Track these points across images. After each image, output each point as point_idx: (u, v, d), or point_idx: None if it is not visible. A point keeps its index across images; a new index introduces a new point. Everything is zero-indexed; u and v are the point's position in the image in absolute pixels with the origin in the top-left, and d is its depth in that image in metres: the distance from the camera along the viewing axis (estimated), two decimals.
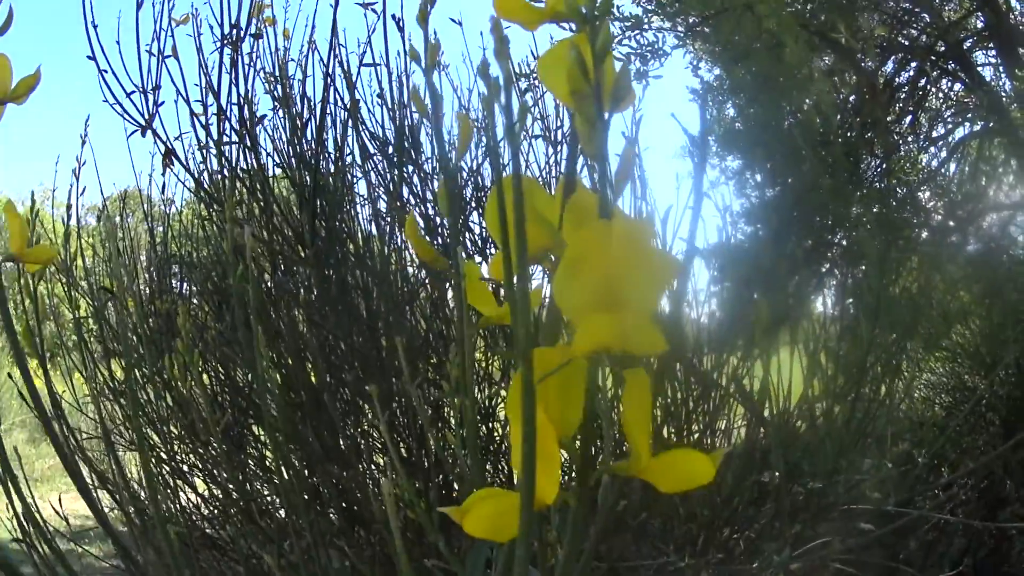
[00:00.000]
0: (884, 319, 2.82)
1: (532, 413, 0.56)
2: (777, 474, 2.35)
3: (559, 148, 2.68)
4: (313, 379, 2.35)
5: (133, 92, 2.30)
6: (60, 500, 2.34)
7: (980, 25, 4.17)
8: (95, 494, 1.77)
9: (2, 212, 1.36)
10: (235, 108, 2.32)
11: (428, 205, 2.46)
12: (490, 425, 2.55)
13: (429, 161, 2.50)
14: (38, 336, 1.64)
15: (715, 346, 2.57)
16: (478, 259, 2.55)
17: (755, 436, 2.51)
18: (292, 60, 2.53)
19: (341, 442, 2.23)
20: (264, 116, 2.38)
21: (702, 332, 2.68)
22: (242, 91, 2.32)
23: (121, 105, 2.31)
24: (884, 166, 3.67)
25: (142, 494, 2.77)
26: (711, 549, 2.30)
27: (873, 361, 2.79)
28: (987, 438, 3.33)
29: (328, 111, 2.36)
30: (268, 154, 2.46)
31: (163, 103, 2.32)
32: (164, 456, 2.57)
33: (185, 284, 2.88)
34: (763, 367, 2.33)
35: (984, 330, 3.52)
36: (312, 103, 2.40)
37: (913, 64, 4.02)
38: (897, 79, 4.06)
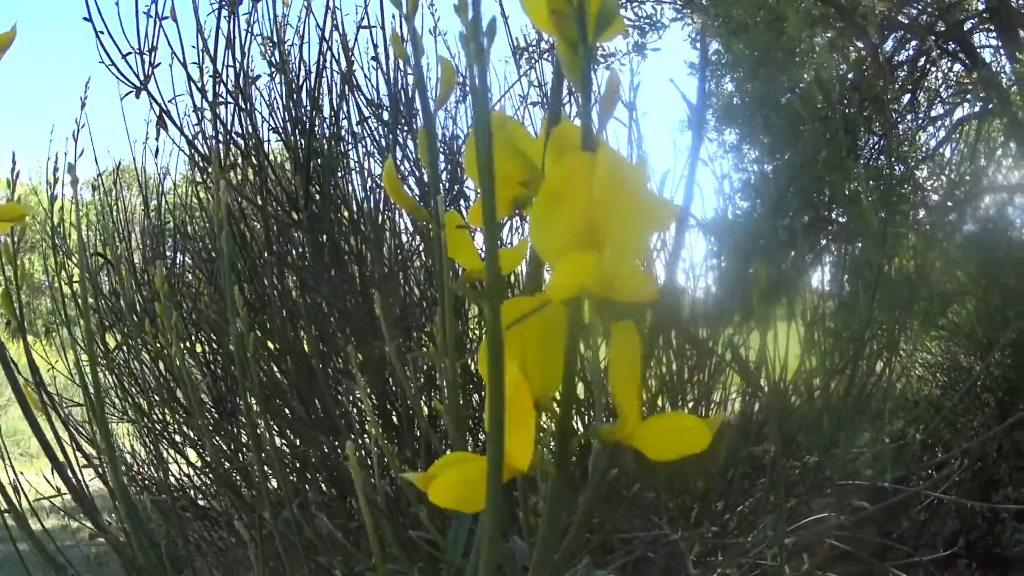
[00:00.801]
0: (882, 295, 2.76)
1: (499, 366, 0.48)
2: (772, 447, 2.29)
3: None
4: (305, 347, 2.28)
5: (129, 53, 2.22)
6: (53, 472, 2.27)
7: (981, 7, 4.11)
8: (74, 465, 1.70)
9: None
10: (230, 70, 2.25)
11: (424, 169, 2.38)
12: (483, 393, 2.48)
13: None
14: (17, 302, 1.57)
15: (712, 316, 2.50)
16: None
17: (750, 408, 2.46)
18: (290, 26, 2.45)
19: (331, 410, 2.16)
20: (259, 76, 2.30)
21: (699, 302, 2.62)
22: (237, 54, 2.25)
23: (117, 67, 2.24)
24: (883, 143, 3.60)
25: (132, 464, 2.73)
26: (705, 522, 2.24)
27: (870, 336, 2.73)
28: (982, 419, 3.27)
29: (324, 75, 2.29)
30: (264, 119, 2.39)
31: (159, 64, 2.24)
32: (155, 427, 2.51)
33: (179, 254, 2.80)
34: (759, 339, 2.27)
35: (981, 311, 3.46)
36: (308, 67, 2.33)
37: (913, 43, 3.94)
38: (897, 57, 3.99)
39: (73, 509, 2.41)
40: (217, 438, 2.37)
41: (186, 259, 2.84)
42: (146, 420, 2.44)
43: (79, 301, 2.58)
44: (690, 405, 2.43)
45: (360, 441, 2.22)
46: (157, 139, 2.53)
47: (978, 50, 4.00)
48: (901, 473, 2.76)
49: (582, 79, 0.50)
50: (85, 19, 2.21)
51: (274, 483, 2.01)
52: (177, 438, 2.57)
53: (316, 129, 2.29)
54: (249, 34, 2.32)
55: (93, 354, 1.24)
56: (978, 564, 2.97)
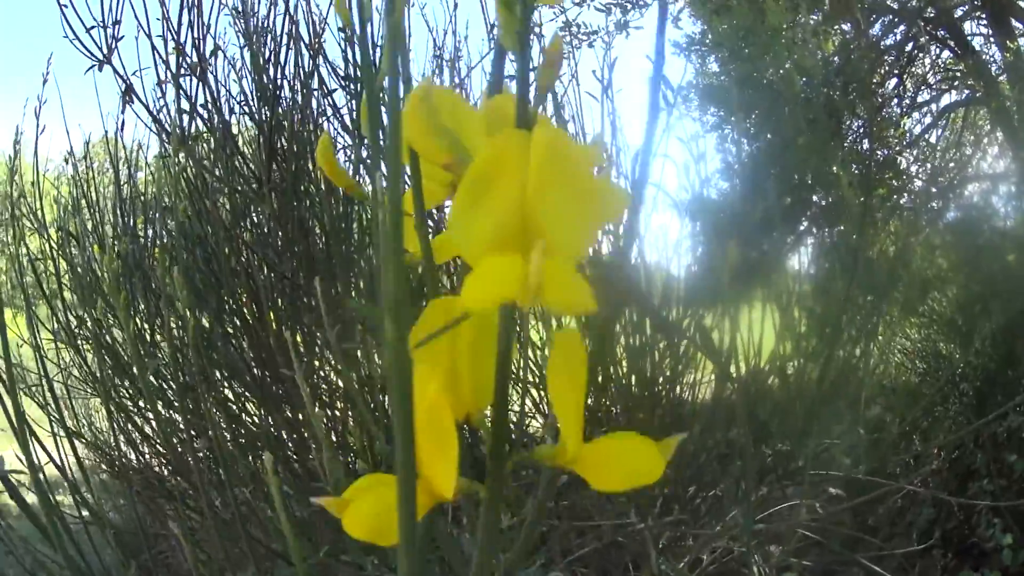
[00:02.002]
0: (861, 279, 2.72)
1: (407, 389, 0.40)
2: (741, 432, 2.24)
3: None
4: (273, 324, 2.20)
5: (93, 27, 2.13)
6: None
7: None
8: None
9: None
10: (196, 42, 2.16)
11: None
12: None
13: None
14: None
15: (686, 298, 2.45)
16: None
17: (721, 392, 2.40)
18: None
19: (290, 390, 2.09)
20: (216, 49, 2.21)
21: (672, 285, 2.56)
22: (203, 27, 2.16)
23: (81, 41, 2.15)
24: (867, 127, 3.54)
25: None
26: (675, 508, 2.18)
27: (847, 321, 2.68)
28: (959, 408, 3.22)
29: (291, 46, 2.20)
30: (228, 92, 2.30)
31: (123, 37, 2.16)
32: (120, 402, 2.43)
33: (150, 228, 2.71)
34: (730, 322, 2.21)
35: (961, 299, 3.41)
36: (276, 38, 2.23)
37: (901, 28, 3.87)
38: (884, 42, 3.91)
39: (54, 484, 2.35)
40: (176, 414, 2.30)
41: (155, 231, 2.75)
42: (111, 395, 2.36)
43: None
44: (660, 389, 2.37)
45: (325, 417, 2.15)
46: (123, 113, 2.44)
47: (968, 38, 3.94)
48: (878, 463, 2.72)
49: (519, 43, 0.42)
50: None
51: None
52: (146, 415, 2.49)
53: (282, 101, 2.20)
54: (218, 2, 2.24)
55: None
56: (953, 554, 2.93)
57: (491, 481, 0.48)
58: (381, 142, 0.48)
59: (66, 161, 2.99)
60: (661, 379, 2.38)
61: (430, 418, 0.43)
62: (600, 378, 2.42)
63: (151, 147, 2.92)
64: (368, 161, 0.51)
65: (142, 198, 2.73)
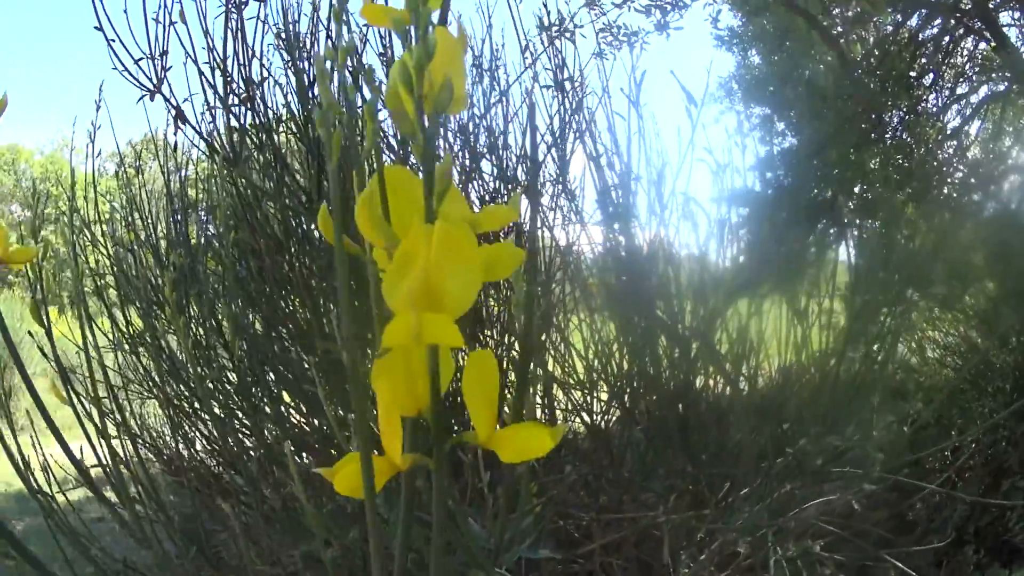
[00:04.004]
0: (899, 272, 2.86)
1: (362, 394, 0.66)
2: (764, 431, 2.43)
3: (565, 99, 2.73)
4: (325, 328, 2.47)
5: (142, 59, 2.40)
6: (81, 449, 2.45)
7: None
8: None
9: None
10: (241, 69, 2.42)
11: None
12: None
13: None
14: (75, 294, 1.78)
15: (715, 297, 2.62)
16: None
17: (751, 392, 2.58)
18: (303, 16, 2.61)
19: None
20: (268, 76, 2.48)
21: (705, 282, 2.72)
22: (248, 54, 2.43)
23: (130, 72, 2.42)
24: (906, 120, 3.69)
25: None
26: (710, 500, 2.39)
27: (885, 315, 2.84)
28: (995, 406, 3.36)
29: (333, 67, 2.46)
30: (276, 112, 2.56)
31: (171, 67, 2.42)
32: (176, 404, 2.69)
33: (202, 238, 2.98)
34: (736, 330, 2.41)
35: (998, 293, 3.54)
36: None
37: (938, 21, 4.01)
38: (921, 35, 4.06)
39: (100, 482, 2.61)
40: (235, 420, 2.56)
41: (207, 239, 3.02)
42: (167, 397, 2.63)
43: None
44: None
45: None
46: (175, 135, 2.71)
47: (1004, 29, 4.04)
48: (914, 460, 2.88)
49: (427, 162, 0.67)
50: (96, 28, 2.39)
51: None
52: (204, 415, 2.76)
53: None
54: (264, 29, 2.50)
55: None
56: (985, 551, 3.07)
57: (436, 456, 0.73)
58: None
59: (117, 175, 3.29)
60: (688, 380, 2.58)
61: (386, 414, 0.69)
62: (636, 383, 2.65)
63: (200, 163, 3.20)
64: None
65: (191, 212, 3.01)
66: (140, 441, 2.31)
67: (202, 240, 2.96)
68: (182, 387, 2.69)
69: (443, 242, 0.62)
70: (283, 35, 2.52)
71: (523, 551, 1.27)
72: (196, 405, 2.67)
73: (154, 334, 2.55)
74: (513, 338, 2.60)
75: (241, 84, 2.43)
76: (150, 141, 3.24)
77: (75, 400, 1.87)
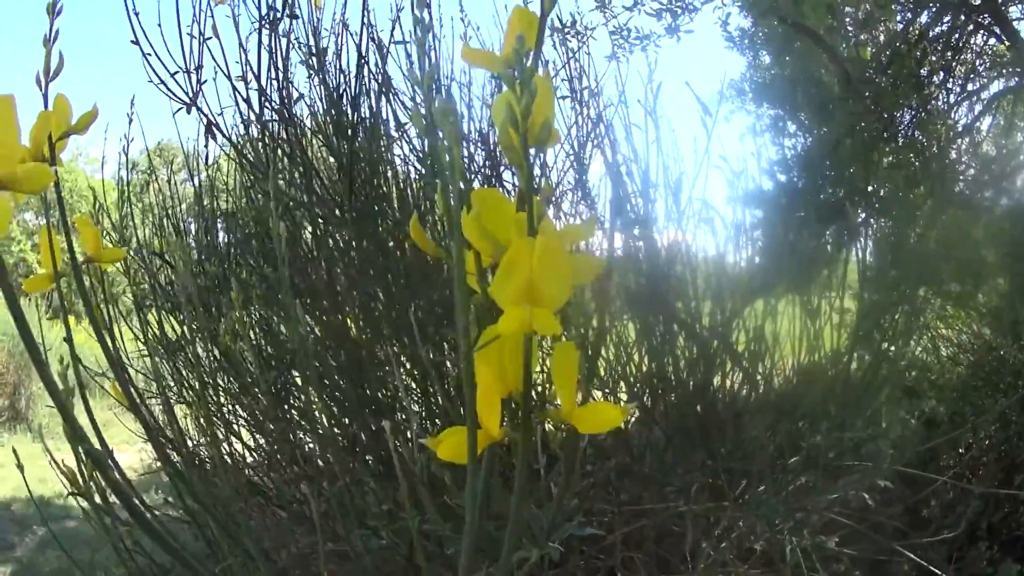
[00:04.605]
0: (912, 270, 2.99)
1: (472, 377, 0.83)
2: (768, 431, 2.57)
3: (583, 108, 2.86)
4: (353, 334, 2.63)
5: (176, 72, 2.55)
6: (112, 453, 2.58)
7: None
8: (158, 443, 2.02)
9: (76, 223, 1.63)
10: (273, 83, 2.58)
11: None
12: None
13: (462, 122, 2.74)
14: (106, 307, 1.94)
15: (732, 296, 2.75)
16: None
17: (768, 390, 2.72)
18: (327, 30, 2.76)
19: (377, 394, 2.50)
20: (301, 96, 2.64)
21: (722, 281, 2.86)
22: (279, 68, 2.58)
23: (166, 85, 2.56)
24: (917, 118, 3.83)
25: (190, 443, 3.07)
26: (715, 499, 2.54)
27: (899, 312, 2.96)
28: (1008, 403, 3.45)
29: (362, 83, 2.61)
30: (305, 125, 2.71)
31: (205, 81, 2.57)
32: (212, 408, 2.84)
33: (232, 246, 3.13)
34: (753, 327, 2.56)
35: (1013, 290, 3.65)
36: (347, 76, 2.65)
37: (947, 17, 4.14)
38: (931, 32, 4.19)
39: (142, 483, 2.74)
40: (270, 422, 2.70)
41: (235, 244, 3.16)
42: (202, 401, 2.78)
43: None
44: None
45: (403, 422, 2.56)
46: (207, 147, 2.85)
47: (1015, 23, 4.16)
48: (928, 456, 3.01)
49: (528, 186, 0.84)
50: (132, 42, 2.54)
51: (321, 461, 2.36)
52: (231, 420, 2.91)
53: (358, 135, 2.62)
54: (289, 42, 2.65)
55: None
56: (999, 546, 3.18)
57: (522, 431, 0.90)
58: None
59: (147, 181, 3.44)
60: (707, 380, 2.73)
61: (485, 393, 0.87)
62: (655, 380, 2.79)
63: (231, 175, 3.35)
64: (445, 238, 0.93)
65: (222, 217, 3.16)
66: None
67: (232, 249, 3.11)
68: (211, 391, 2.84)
69: (544, 252, 0.79)
70: (313, 51, 2.67)
71: (572, 530, 1.43)
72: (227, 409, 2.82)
73: (209, 335, 2.69)
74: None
75: (275, 98, 2.58)
76: (177, 150, 3.39)
77: (131, 400, 2.00)
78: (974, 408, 3.44)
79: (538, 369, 2.67)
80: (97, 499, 1.69)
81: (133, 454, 4.51)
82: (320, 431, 2.22)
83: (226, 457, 2.69)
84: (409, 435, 2.09)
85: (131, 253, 3.11)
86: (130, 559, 2.04)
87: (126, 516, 1.75)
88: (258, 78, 2.56)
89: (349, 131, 2.60)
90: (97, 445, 1.68)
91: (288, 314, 1.64)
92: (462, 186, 0.84)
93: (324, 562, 1.75)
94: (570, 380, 0.89)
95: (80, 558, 2.28)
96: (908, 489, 2.95)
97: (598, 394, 2.94)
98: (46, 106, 1.41)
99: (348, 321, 2.66)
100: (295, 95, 2.62)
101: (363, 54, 2.56)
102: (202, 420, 2.58)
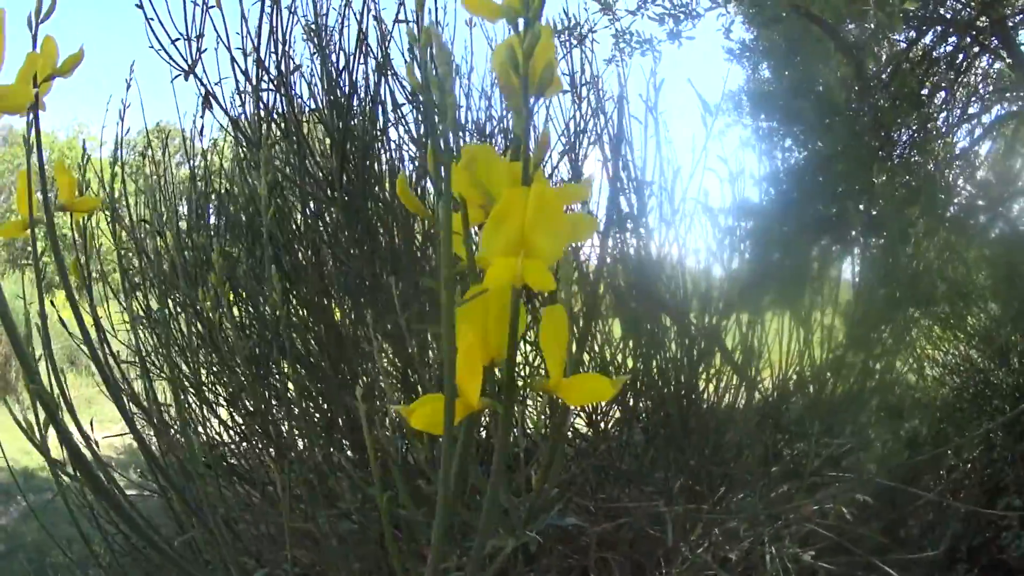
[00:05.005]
0: (901, 291, 2.95)
1: (453, 337, 0.75)
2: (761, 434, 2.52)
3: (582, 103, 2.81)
4: (336, 315, 2.56)
5: (178, 39, 2.50)
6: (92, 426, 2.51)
7: None
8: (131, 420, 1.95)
9: (53, 168, 1.57)
10: (273, 57, 2.52)
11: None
12: None
13: (459, 112, 2.68)
14: (85, 265, 1.87)
15: (720, 305, 2.70)
16: None
17: (750, 397, 2.67)
18: (333, 9, 2.71)
19: (357, 375, 2.43)
20: (300, 66, 2.58)
21: (710, 291, 2.80)
22: (280, 39, 2.52)
23: (167, 51, 2.51)
24: (915, 138, 3.78)
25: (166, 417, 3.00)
26: (696, 499, 2.48)
27: (886, 331, 2.92)
28: (992, 427, 3.43)
29: (361, 60, 2.55)
30: (303, 100, 2.65)
31: (205, 50, 2.51)
32: (191, 384, 2.77)
33: (221, 222, 3.07)
34: (761, 328, 2.50)
35: (1001, 314, 3.63)
36: (347, 54, 2.59)
37: (952, 39, 4.09)
38: (935, 52, 4.13)
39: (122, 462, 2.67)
40: (248, 401, 2.63)
41: (225, 224, 3.10)
42: (182, 377, 2.71)
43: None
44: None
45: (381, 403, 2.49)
46: (202, 117, 2.79)
47: (1021, 46, 4.11)
48: (910, 475, 2.96)
49: (523, 135, 0.76)
50: (137, 5, 2.48)
51: (301, 443, 2.29)
52: (210, 396, 2.84)
53: (353, 114, 2.56)
54: (292, 20, 2.59)
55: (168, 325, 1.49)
56: (980, 569, 3.15)
57: (504, 400, 0.83)
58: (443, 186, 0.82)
59: (143, 156, 3.37)
60: (693, 381, 2.67)
61: (466, 357, 0.79)
62: (640, 385, 2.73)
63: (223, 144, 3.28)
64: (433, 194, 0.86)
65: (215, 195, 3.09)
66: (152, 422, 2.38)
67: (222, 224, 3.04)
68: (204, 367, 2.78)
69: (538, 201, 0.72)
70: (313, 27, 2.61)
71: (551, 519, 1.36)
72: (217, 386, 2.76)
73: (190, 309, 2.62)
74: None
75: (273, 70, 2.52)
76: (175, 132, 3.32)
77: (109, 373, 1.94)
78: (958, 430, 3.40)
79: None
80: (70, 471, 1.64)
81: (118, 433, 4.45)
82: (293, 406, 2.16)
83: (200, 432, 2.64)
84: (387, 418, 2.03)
85: (121, 225, 3.04)
86: (97, 529, 1.99)
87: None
88: (257, 49, 2.50)
89: (345, 107, 2.53)
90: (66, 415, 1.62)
91: (269, 286, 1.57)
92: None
93: (290, 542, 1.67)
94: (559, 348, 0.82)
95: (61, 533, 2.24)
96: (888, 507, 2.91)
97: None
98: (35, 48, 1.36)
99: (331, 304, 2.60)
100: (292, 66, 2.55)
101: (363, 30, 2.50)
102: (179, 392, 2.53)
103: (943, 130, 4.05)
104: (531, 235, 0.72)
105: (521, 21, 0.75)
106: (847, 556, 2.52)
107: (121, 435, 2.15)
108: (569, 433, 2.89)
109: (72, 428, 1.59)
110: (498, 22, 0.77)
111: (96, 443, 2.05)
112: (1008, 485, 3.27)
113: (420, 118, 2.60)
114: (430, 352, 2.29)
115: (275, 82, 2.52)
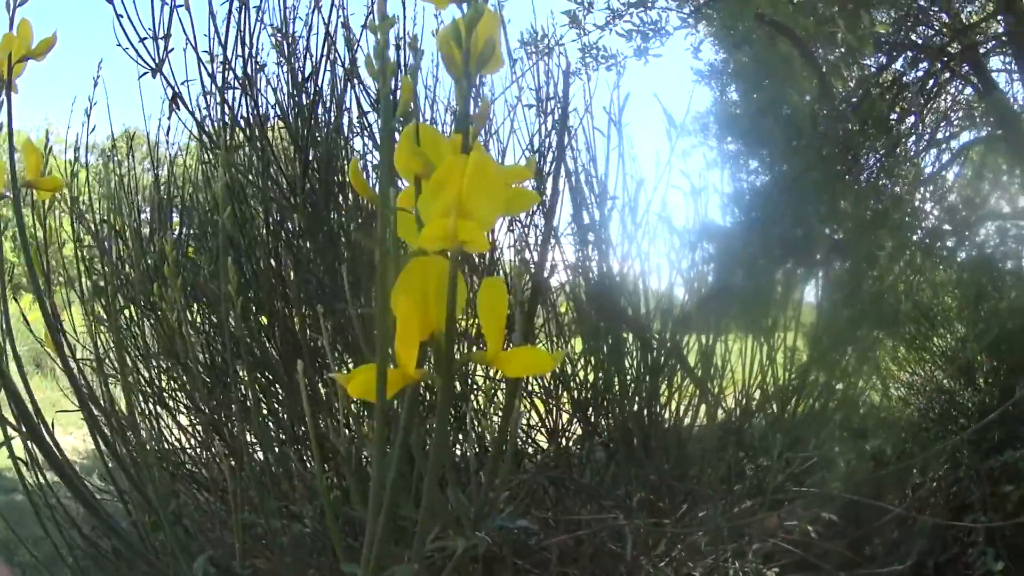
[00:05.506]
0: (865, 312, 2.97)
1: (386, 305, 0.75)
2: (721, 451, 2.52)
3: (547, 118, 2.81)
4: (296, 323, 2.55)
5: (145, 38, 2.49)
6: (52, 424, 2.49)
7: (1000, 30, 4.27)
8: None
9: (21, 147, 1.58)
10: (239, 59, 2.52)
11: None
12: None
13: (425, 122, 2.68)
14: (45, 262, 1.87)
15: (681, 323, 2.71)
16: None
17: (712, 414, 2.67)
18: (300, 18, 2.70)
19: (315, 384, 2.42)
20: (264, 65, 2.58)
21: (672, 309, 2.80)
22: (247, 42, 2.52)
23: (135, 49, 2.50)
24: (883, 162, 3.82)
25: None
26: (664, 515, 2.47)
27: (848, 352, 2.94)
28: (958, 444, 3.46)
29: (327, 67, 2.56)
30: (270, 105, 2.65)
31: (172, 49, 2.50)
32: (150, 388, 2.76)
33: (184, 227, 3.06)
34: (707, 345, 2.51)
35: (967, 337, 3.67)
36: (315, 60, 2.59)
37: (923, 64, 4.14)
38: (905, 77, 4.18)
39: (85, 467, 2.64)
40: (206, 405, 2.61)
41: (189, 231, 3.09)
42: (143, 382, 2.70)
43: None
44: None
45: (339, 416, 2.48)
46: (169, 119, 2.79)
47: (992, 74, 4.17)
48: (875, 493, 2.98)
49: (464, 104, 0.77)
50: (107, 0, 2.48)
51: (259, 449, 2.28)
52: (170, 403, 2.82)
53: (318, 118, 2.56)
54: (259, 23, 2.59)
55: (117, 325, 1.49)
56: None
57: (441, 372, 0.82)
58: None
59: (106, 157, 3.36)
60: (654, 397, 2.67)
61: (403, 324, 0.78)
62: (601, 400, 2.73)
63: (188, 147, 3.27)
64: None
65: (178, 199, 3.08)
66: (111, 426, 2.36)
67: (181, 231, 3.03)
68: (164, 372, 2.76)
69: (476, 167, 0.72)
70: (281, 33, 2.61)
71: (502, 520, 1.35)
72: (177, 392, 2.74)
73: (150, 311, 2.61)
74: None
75: (239, 72, 2.52)
76: (142, 138, 3.32)
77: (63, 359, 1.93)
78: (923, 449, 3.43)
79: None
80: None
81: (79, 439, 4.43)
82: (250, 412, 2.15)
83: (159, 437, 2.62)
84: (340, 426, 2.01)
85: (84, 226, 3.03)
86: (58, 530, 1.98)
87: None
88: (224, 48, 2.50)
89: (309, 114, 2.53)
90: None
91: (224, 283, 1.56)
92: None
93: (241, 541, 1.66)
94: (498, 320, 0.82)
95: (27, 533, 2.22)
96: (852, 525, 2.92)
97: (540, 404, 2.89)
98: (11, 31, 1.41)
99: (291, 311, 2.59)
100: (257, 67, 2.55)
101: (331, 34, 2.51)
102: (131, 394, 2.51)
103: (912, 154, 4.09)
104: (468, 199, 0.72)
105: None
106: (812, 573, 2.53)
107: (72, 413, 2.13)
108: (530, 450, 2.89)
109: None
110: (448, 7, 0.77)
111: (58, 445, 2.05)
112: (974, 503, 3.30)
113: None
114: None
115: (240, 82, 2.52)
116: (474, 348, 2.50)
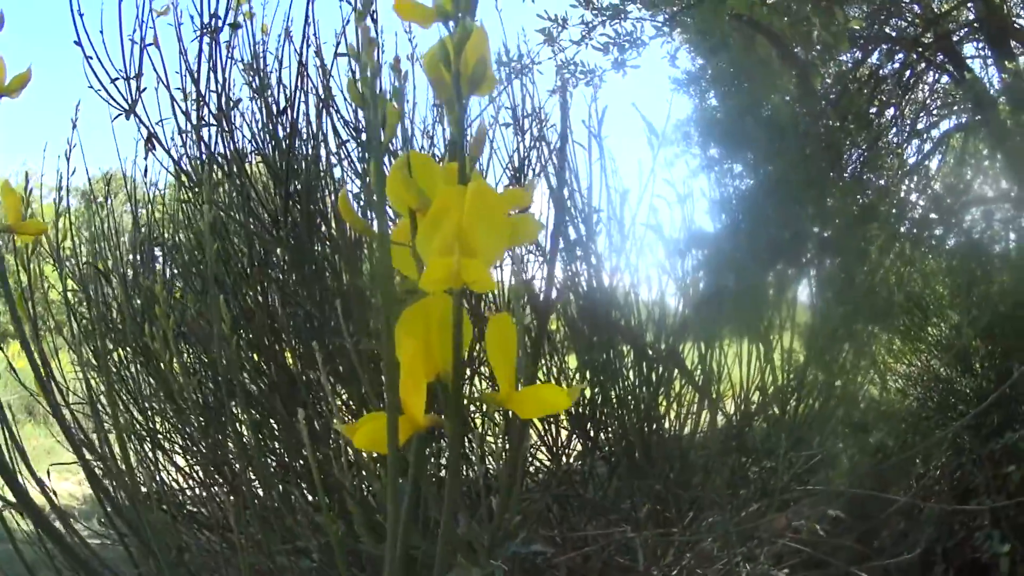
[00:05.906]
0: (859, 308, 2.94)
1: (393, 350, 0.71)
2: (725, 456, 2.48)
3: (525, 136, 2.78)
4: (287, 357, 2.50)
5: (117, 79, 2.45)
6: (48, 474, 2.44)
7: (971, 17, 4.27)
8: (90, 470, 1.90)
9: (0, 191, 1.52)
10: (213, 95, 2.47)
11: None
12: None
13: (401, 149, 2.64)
14: (32, 307, 1.81)
15: (675, 330, 2.68)
16: None
17: (713, 419, 2.64)
18: (270, 53, 2.66)
19: (311, 416, 2.37)
20: (239, 100, 2.53)
21: (665, 317, 2.77)
22: (220, 78, 2.47)
23: (106, 90, 2.46)
24: (865, 157, 3.80)
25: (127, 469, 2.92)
26: (665, 524, 2.43)
27: (846, 348, 2.91)
28: (958, 431, 3.45)
29: (302, 98, 2.51)
30: (247, 139, 2.60)
31: (145, 89, 2.46)
32: (145, 432, 2.70)
33: (168, 267, 3.01)
34: (719, 351, 2.47)
35: (961, 324, 3.65)
36: (288, 91, 2.54)
37: (899, 56, 4.13)
38: (882, 70, 4.17)
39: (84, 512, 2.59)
40: (203, 445, 2.57)
41: (173, 270, 3.04)
42: (137, 426, 2.64)
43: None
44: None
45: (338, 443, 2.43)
46: (146, 159, 2.74)
47: (967, 61, 4.16)
48: (878, 486, 2.95)
49: (459, 130, 0.72)
50: (75, 43, 2.44)
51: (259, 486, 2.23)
52: (166, 445, 2.77)
53: (296, 151, 2.51)
54: (230, 59, 2.55)
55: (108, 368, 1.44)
56: (955, 570, 3.16)
57: (451, 415, 0.78)
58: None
59: (86, 200, 3.30)
60: (653, 407, 2.63)
61: (410, 372, 0.74)
62: (600, 414, 2.69)
63: (166, 186, 3.23)
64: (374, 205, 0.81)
65: (159, 239, 3.03)
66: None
67: (167, 270, 2.98)
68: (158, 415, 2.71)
69: (476, 198, 0.67)
70: (253, 67, 2.57)
71: (515, 547, 1.30)
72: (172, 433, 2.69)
73: (140, 354, 2.56)
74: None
75: (213, 107, 2.47)
76: (114, 174, 3.27)
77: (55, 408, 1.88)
78: (924, 439, 3.41)
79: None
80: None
81: (76, 484, 4.39)
82: (248, 449, 2.10)
83: (157, 479, 2.57)
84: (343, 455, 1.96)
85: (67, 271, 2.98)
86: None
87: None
88: (196, 83, 2.45)
89: (285, 143, 2.49)
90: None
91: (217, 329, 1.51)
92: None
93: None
94: (508, 358, 0.77)
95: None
96: (860, 520, 2.90)
97: (537, 421, 2.85)
98: None
99: (282, 346, 2.54)
100: (231, 103, 2.50)
101: (303, 63, 2.46)
102: (124, 438, 2.45)
103: (894, 146, 4.07)
104: (469, 234, 0.67)
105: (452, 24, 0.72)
106: (823, 571, 2.49)
107: (69, 464, 2.09)
108: (531, 468, 2.85)
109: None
110: (432, 27, 0.72)
111: (54, 492, 2.00)
112: (978, 487, 3.29)
113: (362, 152, 2.57)
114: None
115: (215, 118, 2.47)
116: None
